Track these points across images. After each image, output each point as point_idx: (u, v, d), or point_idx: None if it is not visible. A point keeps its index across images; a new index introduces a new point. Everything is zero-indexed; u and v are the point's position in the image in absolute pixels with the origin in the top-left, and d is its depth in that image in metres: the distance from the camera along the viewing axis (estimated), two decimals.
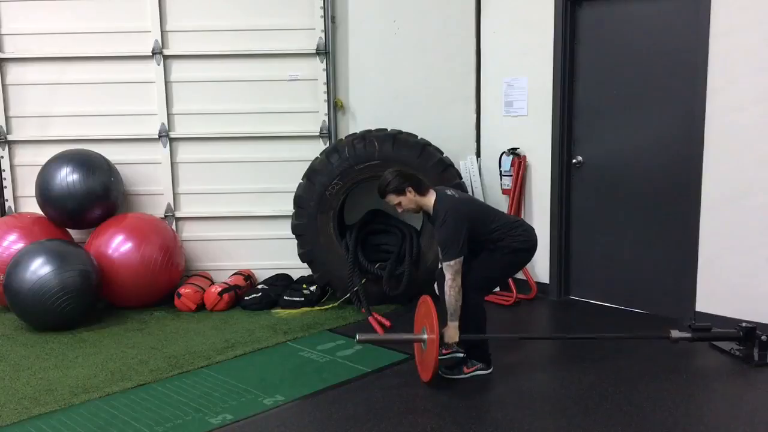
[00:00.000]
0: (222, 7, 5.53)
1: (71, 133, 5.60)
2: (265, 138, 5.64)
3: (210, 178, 5.69)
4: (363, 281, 5.17)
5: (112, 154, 5.53)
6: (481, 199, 5.52)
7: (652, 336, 4.29)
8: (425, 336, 3.75)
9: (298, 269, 5.63)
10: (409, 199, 3.85)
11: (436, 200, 3.83)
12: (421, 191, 3.86)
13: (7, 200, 5.71)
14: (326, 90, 5.57)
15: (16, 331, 4.89)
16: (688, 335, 4.07)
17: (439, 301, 3.82)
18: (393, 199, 3.88)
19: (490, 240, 3.83)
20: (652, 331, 4.60)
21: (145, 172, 5.68)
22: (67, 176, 5.21)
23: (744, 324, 4.11)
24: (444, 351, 4.24)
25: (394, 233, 5.38)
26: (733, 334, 4.11)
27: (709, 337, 4.16)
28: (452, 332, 3.75)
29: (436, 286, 4.25)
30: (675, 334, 4.04)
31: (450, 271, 3.70)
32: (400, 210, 3.93)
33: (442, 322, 3.71)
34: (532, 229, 4.00)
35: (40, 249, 4.85)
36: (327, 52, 5.52)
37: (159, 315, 5.20)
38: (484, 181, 5.70)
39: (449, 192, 3.91)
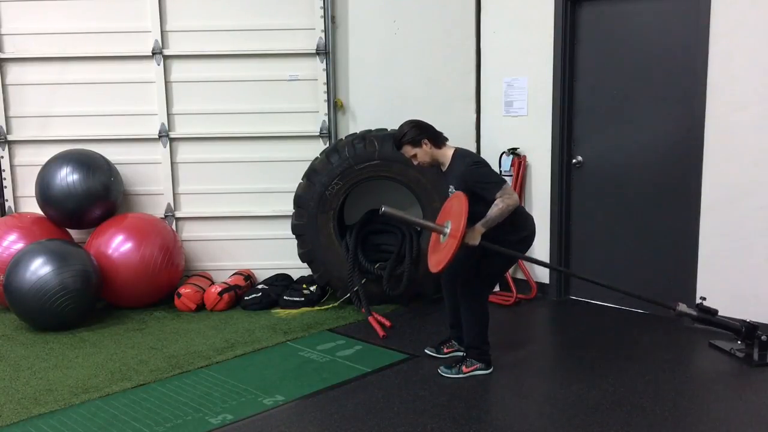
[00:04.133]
0: (222, 7, 5.53)
1: (71, 133, 5.60)
2: (265, 138, 5.64)
3: (210, 178, 5.69)
4: (363, 281, 5.16)
5: (112, 154, 5.53)
6: None
7: (659, 303, 4.18)
8: (447, 229, 3.69)
9: (298, 269, 5.63)
10: (425, 151, 3.83)
11: (454, 152, 3.82)
12: (438, 144, 3.84)
13: (7, 200, 5.71)
14: (326, 90, 5.57)
15: (16, 331, 4.89)
16: (693, 312, 4.05)
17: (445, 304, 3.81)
18: (409, 150, 3.85)
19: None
20: (653, 331, 4.61)
21: (145, 172, 5.68)
22: (67, 176, 5.21)
23: (749, 321, 4.11)
24: (445, 351, 4.25)
25: (394, 233, 5.38)
26: (736, 326, 4.12)
27: (711, 322, 4.14)
28: (476, 235, 3.66)
29: (442, 288, 4.25)
30: (681, 307, 4.03)
31: (506, 194, 3.62)
32: (415, 162, 3.89)
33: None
34: (532, 219, 4.00)
35: (40, 249, 4.85)
36: (327, 52, 5.52)
37: (159, 315, 5.20)
38: None
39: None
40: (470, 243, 3.65)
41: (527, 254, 4.14)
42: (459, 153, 3.84)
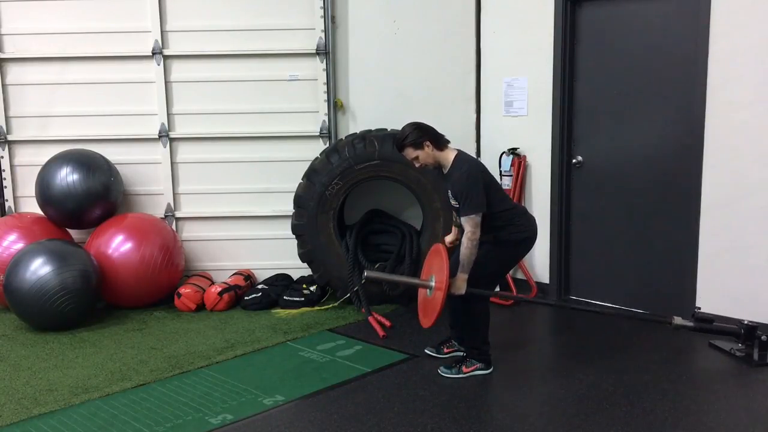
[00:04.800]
0: (222, 7, 5.53)
1: (71, 133, 5.60)
2: (265, 138, 5.64)
3: (210, 178, 5.69)
4: (363, 281, 5.16)
5: (112, 154, 5.53)
6: None
7: (655, 319, 4.21)
8: (432, 283, 3.75)
9: (298, 269, 5.63)
10: (427, 153, 3.82)
11: (456, 156, 3.82)
12: (440, 146, 3.84)
13: (7, 200, 5.71)
14: (326, 90, 5.57)
15: (16, 331, 4.89)
16: (690, 324, 4.06)
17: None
18: (410, 152, 3.85)
19: (491, 223, 3.79)
20: (653, 331, 4.60)
21: (145, 172, 5.68)
22: (67, 176, 5.21)
23: (747, 322, 4.11)
24: (445, 350, 4.25)
25: (394, 233, 5.38)
26: (734, 330, 4.11)
27: (709, 330, 4.14)
28: (461, 284, 3.71)
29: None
30: (677, 320, 4.02)
31: (470, 224, 3.66)
32: (417, 165, 3.89)
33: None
34: (533, 219, 4.00)
35: (40, 249, 4.85)
36: (327, 52, 5.52)
37: (159, 315, 5.20)
38: None
39: (469, 155, 3.92)
40: (457, 293, 3.73)
41: (527, 257, 4.17)
42: (459, 159, 3.83)
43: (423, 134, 3.81)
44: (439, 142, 3.84)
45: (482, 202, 3.69)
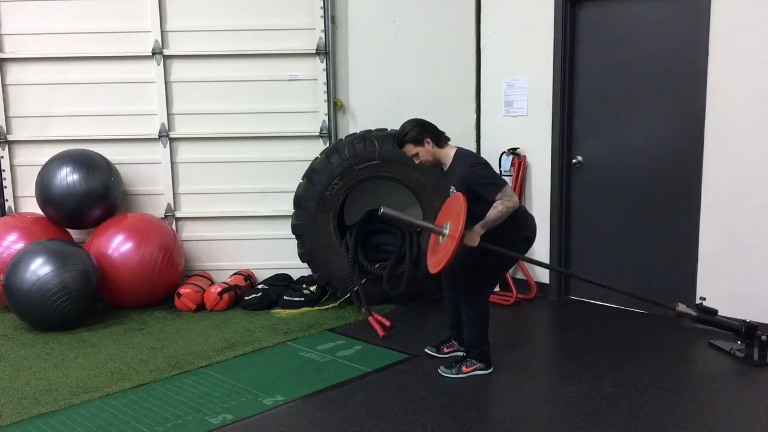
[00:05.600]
0: (222, 7, 5.53)
1: (71, 133, 5.60)
2: (265, 138, 5.64)
3: (210, 178, 5.69)
4: (363, 281, 5.16)
5: (112, 154, 5.53)
6: None
7: (659, 303, 4.20)
8: (446, 230, 3.69)
9: (298, 269, 5.63)
10: (427, 150, 3.82)
11: (456, 152, 3.82)
12: (440, 143, 3.83)
13: (7, 200, 5.71)
14: (326, 90, 5.57)
15: (16, 331, 4.89)
16: (693, 312, 4.05)
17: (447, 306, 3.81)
18: (410, 149, 3.84)
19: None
20: (653, 331, 4.61)
21: (145, 172, 5.68)
22: (67, 176, 5.21)
23: (749, 321, 4.11)
24: (445, 350, 4.24)
25: (394, 233, 5.38)
26: (736, 326, 4.11)
27: (710, 321, 4.14)
28: (475, 236, 3.65)
29: (442, 288, 4.25)
30: (681, 307, 4.03)
31: (506, 196, 3.62)
32: (417, 161, 3.88)
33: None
34: (533, 218, 4.00)
35: (40, 249, 4.85)
36: (327, 52, 5.52)
37: (159, 315, 5.20)
38: None
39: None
40: (469, 244, 3.65)
41: (527, 254, 4.15)
42: (460, 153, 3.84)
43: (424, 131, 3.81)
44: (440, 138, 3.84)
45: (501, 178, 3.74)
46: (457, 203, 3.70)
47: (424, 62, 5.66)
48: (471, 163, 3.76)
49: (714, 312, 4.13)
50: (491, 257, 3.83)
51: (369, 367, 4.11)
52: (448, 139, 3.90)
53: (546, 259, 5.40)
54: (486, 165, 3.82)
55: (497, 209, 3.64)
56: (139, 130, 5.63)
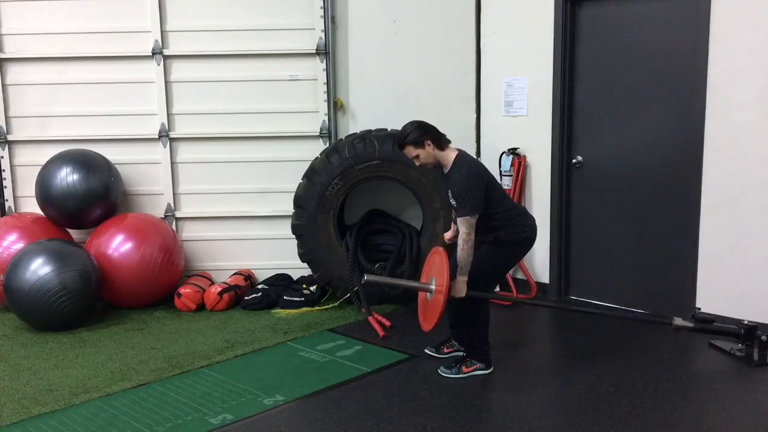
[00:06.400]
0: (222, 7, 5.53)
1: (71, 133, 5.60)
2: (265, 138, 5.64)
3: (210, 178, 5.69)
4: (363, 281, 5.15)
5: (112, 154, 5.53)
6: None
7: (655, 320, 4.21)
8: (432, 286, 3.74)
9: (298, 269, 5.63)
10: (428, 152, 3.82)
11: (457, 156, 3.82)
12: (441, 145, 3.83)
13: (7, 200, 5.71)
14: (326, 90, 5.57)
15: (16, 331, 4.89)
16: (690, 325, 4.06)
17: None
18: (411, 151, 3.84)
19: (490, 223, 3.79)
20: (653, 331, 4.60)
21: (145, 172, 5.68)
22: (67, 176, 5.21)
23: (746, 322, 4.11)
24: (445, 350, 4.24)
25: (394, 233, 5.38)
26: (734, 330, 4.11)
27: (709, 330, 4.14)
28: (461, 286, 3.70)
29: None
30: (677, 321, 4.04)
31: (466, 225, 3.66)
32: (417, 163, 3.89)
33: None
34: (533, 219, 4.00)
35: (40, 249, 4.85)
36: (327, 52, 5.52)
37: (159, 315, 5.20)
38: None
39: (469, 155, 3.92)
40: (457, 295, 3.72)
41: (527, 257, 4.17)
42: (460, 159, 3.82)
43: (424, 133, 3.81)
44: (441, 141, 3.84)
45: (479, 205, 3.69)
46: (438, 258, 3.80)
47: (424, 62, 5.66)
48: (464, 172, 3.75)
49: (711, 320, 4.13)
50: (490, 259, 3.85)
51: (369, 367, 4.11)
52: (449, 142, 3.89)
53: (546, 259, 5.41)
54: (474, 182, 3.72)
55: (460, 249, 3.70)
56: (139, 130, 5.62)
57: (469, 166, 3.79)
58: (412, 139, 3.81)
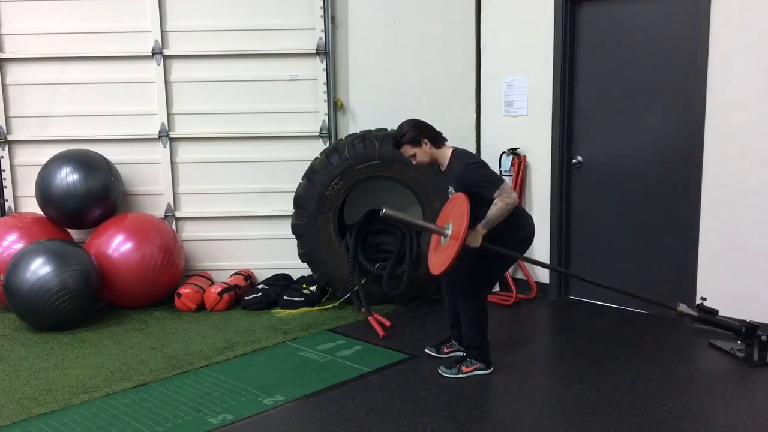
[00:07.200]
0: (222, 7, 5.53)
1: (71, 133, 5.60)
2: (265, 138, 5.64)
3: (210, 178, 5.69)
4: (363, 281, 5.16)
5: (112, 154, 5.53)
6: None
7: (659, 303, 4.18)
8: (448, 231, 3.68)
9: (298, 269, 5.63)
10: (425, 150, 3.82)
11: (453, 152, 3.83)
12: (437, 144, 3.84)
13: (7, 200, 5.71)
14: (326, 90, 5.57)
15: (16, 331, 4.89)
16: (694, 313, 4.06)
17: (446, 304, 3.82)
18: (408, 150, 3.84)
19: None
20: (653, 331, 4.61)
21: (145, 172, 5.68)
22: (67, 176, 5.21)
23: (749, 321, 4.11)
24: (445, 350, 4.24)
25: (394, 233, 5.37)
26: (736, 326, 4.12)
27: (711, 321, 4.14)
28: (477, 237, 3.64)
29: (442, 290, 4.25)
30: (682, 307, 4.04)
31: (505, 193, 3.61)
32: (414, 162, 3.89)
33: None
34: (531, 219, 4.00)
35: (40, 249, 4.85)
36: (327, 52, 5.52)
37: (159, 315, 5.20)
38: None
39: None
40: (472, 245, 3.65)
41: (527, 255, 4.15)
42: (457, 153, 3.84)
43: (421, 131, 3.81)
44: (437, 139, 3.85)
45: (499, 176, 3.74)
46: (459, 204, 3.69)
47: (424, 62, 5.66)
48: (467, 162, 3.76)
49: (715, 312, 4.14)
50: (490, 258, 3.83)
51: (369, 367, 4.11)
52: (446, 140, 3.90)
53: (546, 259, 5.40)
54: (482, 164, 3.82)
55: (497, 206, 3.63)
56: (139, 130, 5.62)
57: (468, 155, 3.85)
58: (408, 138, 3.81)
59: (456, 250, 3.54)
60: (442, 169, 3.88)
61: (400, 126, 3.88)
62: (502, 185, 3.67)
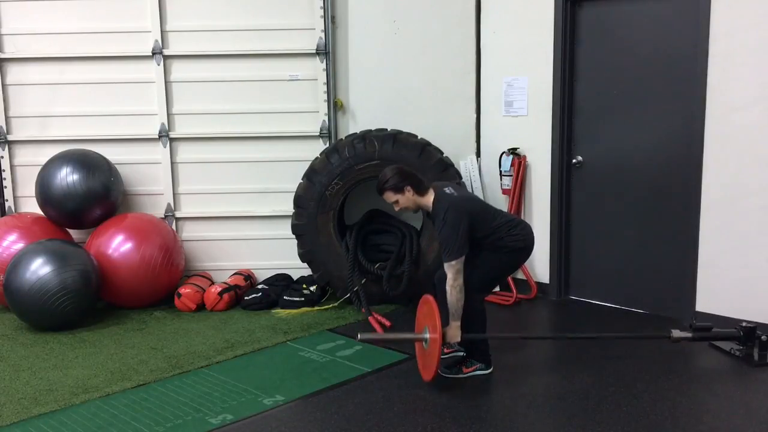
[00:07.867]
0: (222, 7, 5.53)
1: (71, 133, 5.60)
2: (265, 138, 5.64)
3: (210, 178, 5.69)
4: (363, 281, 5.16)
5: (112, 154, 5.53)
6: (482, 198, 5.52)
7: (653, 336, 4.28)
8: (427, 335, 3.73)
9: (298, 269, 5.63)
10: (408, 198, 3.81)
11: (435, 199, 3.80)
12: (420, 191, 3.82)
13: (7, 200, 5.71)
14: (326, 90, 5.57)
15: (16, 331, 4.89)
16: (689, 335, 4.07)
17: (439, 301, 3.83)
18: (390, 196, 3.84)
19: (490, 239, 3.81)
20: (653, 331, 4.60)
21: (145, 172, 5.68)
22: (67, 176, 5.21)
23: (744, 324, 4.11)
24: (446, 350, 4.24)
25: (394, 233, 5.37)
26: (734, 334, 4.12)
27: (709, 337, 4.16)
28: (454, 332, 3.72)
29: (435, 288, 4.25)
30: (676, 333, 4.05)
31: (452, 270, 3.67)
32: (397, 208, 3.89)
33: (444, 321, 3.69)
34: (530, 228, 4.00)
35: (40, 249, 4.85)
36: (327, 52, 5.52)
37: (159, 315, 5.20)
38: (484, 181, 5.70)
39: (448, 191, 3.84)
40: (452, 342, 3.75)
41: (528, 264, 4.17)
42: (439, 197, 3.78)
43: (404, 179, 3.79)
44: (420, 186, 3.82)
45: (462, 246, 3.66)
46: (427, 306, 3.77)
47: (424, 62, 5.66)
48: (440, 219, 3.72)
49: (709, 328, 4.14)
50: (486, 264, 3.85)
51: (369, 367, 4.11)
52: (429, 186, 3.87)
53: (546, 259, 5.41)
54: (452, 225, 3.66)
55: (449, 295, 3.69)
56: (139, 130, 5.62)
57: (445, 210, 3.70)
58: (391, 185, 3.80)
59: (438, 350, 3.60)
60: (429, 212, 3.88)
61: (383, 172, 3.86)
62: (450, 261, 3.64)
